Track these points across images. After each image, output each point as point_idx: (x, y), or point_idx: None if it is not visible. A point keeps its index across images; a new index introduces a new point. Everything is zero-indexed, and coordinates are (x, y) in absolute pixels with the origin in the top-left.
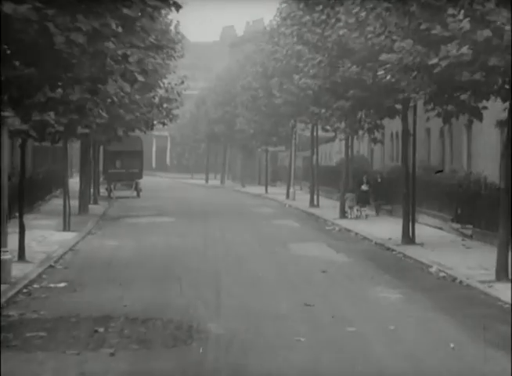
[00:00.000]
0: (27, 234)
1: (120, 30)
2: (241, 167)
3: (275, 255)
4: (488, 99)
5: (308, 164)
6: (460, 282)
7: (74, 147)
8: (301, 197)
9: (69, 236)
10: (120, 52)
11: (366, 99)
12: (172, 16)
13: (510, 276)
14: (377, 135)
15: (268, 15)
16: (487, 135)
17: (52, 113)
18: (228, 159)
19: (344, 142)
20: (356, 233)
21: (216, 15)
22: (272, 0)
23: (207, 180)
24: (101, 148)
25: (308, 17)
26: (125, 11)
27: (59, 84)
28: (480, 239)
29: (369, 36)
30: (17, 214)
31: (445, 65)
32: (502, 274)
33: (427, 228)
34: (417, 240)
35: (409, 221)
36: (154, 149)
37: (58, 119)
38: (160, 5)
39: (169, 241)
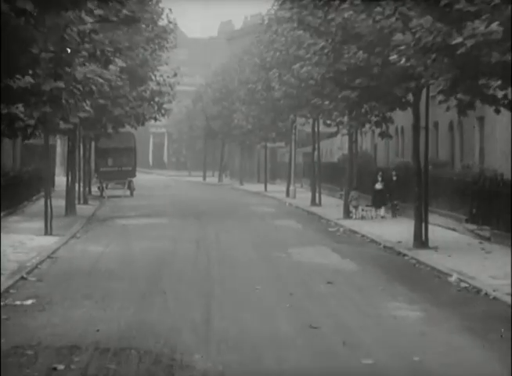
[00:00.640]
0: (3, 239)
1: None
2: (239, 164)
3: (275, 262)
4: None
5: (309, 161)
6: (486, 294)
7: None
8: (302, 195)
9: (49, 242)
10: (87, 27)
11: (374, 88)
12: (165, 4)
13: None
14: (385, 128)
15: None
16: (501, 128)
17: (20, 106)
18: (227, 156)
19: (346, 137)
20: (362, 236)
21: (214, 10)
22: None
23: (204, 178)
24: (93, 145)
25: None
26: None
27: (17, 67)
28: (499, 242)
29: (378, 18)
30: (5, 213)
31: (470, 45)
32: None
33: (439, 229)
34: (430, 243)
35: (421, 222)
36: (151, 146)
37: (30, 112)
38: None
39: (159, 246)
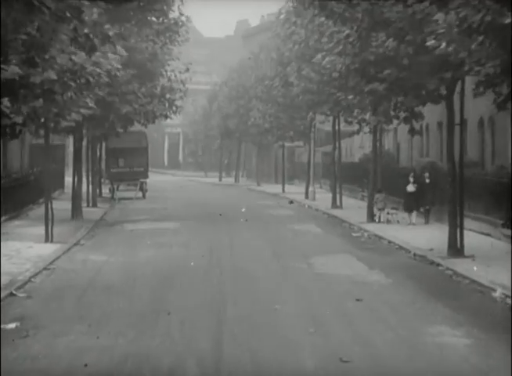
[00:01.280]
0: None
1: None
2: (256, 164)
3: (296, 275)
4: None
5: (328, 161)
6: None
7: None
8: (322, 197)
9: (49, 250)
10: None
11: (404, 80)
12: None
13: None
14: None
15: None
16: None
17: (6, 101)
18: (243, 156)
19: (367, 136)
20: (389, 242)
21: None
22: None
23: (220, 178)
24: (103, 145)
25: None
26: None
27: None
28: None
29: (410, 2)
30: (7, 217)
31: None
32: None
33: (472, 234)
34: (466, 251)
35: (456, 228)
36: (166, 146)
37: (18, 108)
38: None
39: (168, 255)
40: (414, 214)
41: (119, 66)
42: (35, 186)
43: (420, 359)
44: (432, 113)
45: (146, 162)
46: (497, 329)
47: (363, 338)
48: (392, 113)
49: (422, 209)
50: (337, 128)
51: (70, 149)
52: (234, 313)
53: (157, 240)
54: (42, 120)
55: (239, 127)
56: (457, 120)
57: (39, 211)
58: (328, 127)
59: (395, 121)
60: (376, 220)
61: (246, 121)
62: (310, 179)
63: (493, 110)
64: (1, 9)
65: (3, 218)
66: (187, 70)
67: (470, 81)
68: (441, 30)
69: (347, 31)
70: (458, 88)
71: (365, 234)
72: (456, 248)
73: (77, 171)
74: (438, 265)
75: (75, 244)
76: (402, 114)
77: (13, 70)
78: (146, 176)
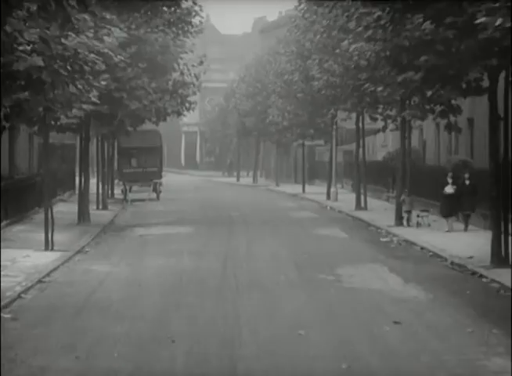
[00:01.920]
0: None
1: None
2: (275, 163)
3: (322, 290)
4: None
5: (350, 160)
6: None
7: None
8: (344, 197)
9: (47, 259)
10: None
11: (443, 68)
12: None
13: None
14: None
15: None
16: None
17: None
18: (261, 155)
19: (390, 134)
20: (422, 248)
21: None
22: None
23: (238, 178)
24: (115, 144)
25: None
26: None
27: None
28: None
29: None
30: (8, 221)
31: None
32: None
33: None
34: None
35: (500, 233)
36: (183, 145)
37: None
38: None
39: (178, 266)
40: (452, 219)
41: (121, 56)
42: (42, 188)
43: None
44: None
45: (160, 162)
46: None
47: None
48: (427, 106)
49: (461, 214)
50: (360, 125)
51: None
52: (249, 340)
53: (168, 248)
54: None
55: (257, 125)
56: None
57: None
58: (349, 125)
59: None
60: (404, 223)
61: (265, 118)
62: (332, 179)
63: None
64: None
65: (3, 223)
66: (201, 62)
67: None
68: (496, 5)
69: (377, 13)
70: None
71: (395, 239)
72: (500, 257)
73: (83, 172)
74: (481, 276)
75: (78, 252)
76: (438, 108)
77: None
78: (160, 177)
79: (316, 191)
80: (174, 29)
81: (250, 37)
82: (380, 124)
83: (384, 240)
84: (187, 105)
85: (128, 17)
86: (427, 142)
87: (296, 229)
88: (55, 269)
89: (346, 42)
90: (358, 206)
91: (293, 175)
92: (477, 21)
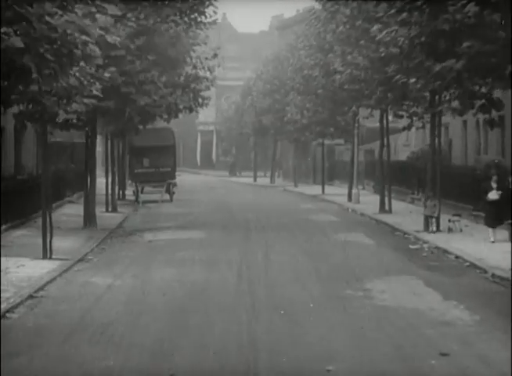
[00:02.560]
0: None
1: None
2: (293, 163)
3: (350, 310)
4: None
5: (372, 160)
6: None
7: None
8: (366, 199)
9: (44, 269)
10: None
11: (488, 56)
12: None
13: None
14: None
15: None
16: None
17: None
18: (279, 154)
19: (413, 133)
20: (456, 257)
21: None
22: None
23: (255, 178)
24: (126, 142)
25: None
26: None
27: None
28: None
29: None
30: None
31: None
32: None
33: None
34: None
35: None
36: (199, 145)
37: None
38: None
39: (187, 277)
40: (491, 230)
41: (116, 37)
42: (51, 187)
43: None
44: None
45: (174, 162)
46: None
47: None
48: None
49: (505, 223)
50: (385, 123)
51: (99, 149)
52: None
53: (178, 256)
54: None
55: (275, 123)
56: None
57: (52, 216)
58: (370, 123)
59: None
60: (434, 229)
61: (283, 116)
62: (354, 180)
63: None
64: None
65: (3, 227)
66: (215, 55)
67: None
68: None
69: None
70: None
71: (426, 246)
72: None
73: (89, 172)
74: None
75: (79, 261)
76: (478, 102)
77: None
78: (174, 177)
79: (336, 192)
80: (186, 19)
81: (268, 36)
82: (402, 122)
83: (414, 247)
84: (200, 100)
85: (136, 6)
86: (453, 141)
87: (317, 235)
88: (50, 282)
89: (375, 28)
90: (382, 209)
91: (312, 176)
92: None
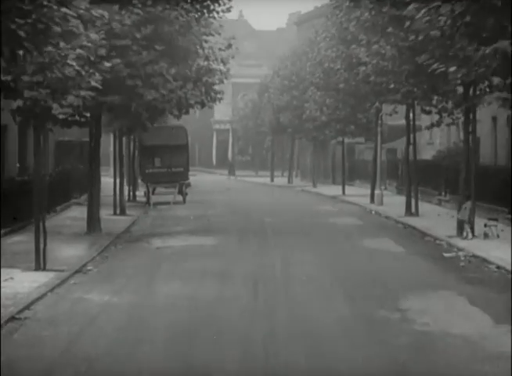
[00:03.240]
0: None
1: None
2: (311, 162)
3: (387, 336)
4: None
5: (394, 159)
6: None
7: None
8: (390, 200)
9: (34, 283)
10: None
11: None
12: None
13: None
14: None
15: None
16: None
17: None
18: (297, 153)
19: (436, 131)
20: (498, 267)
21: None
22: None
23: (272, 178)
24: (136, 141)
25: None
26: None
27: None
28: None
29: None
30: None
31: None
32: None
33: None
34: None
35: None
36: (215, 144)
37: None
38: None
39: (195, 295)
40: None
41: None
42: (53, 189)
43: None
44: None
45: (187, 161)
46: None
47: None
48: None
49: None
50: (411, 119)
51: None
52: None
53: (187, 266)
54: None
55: (293, 121)
56: None
57: (53, 221)
58: (391, 121)
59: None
60: (469, 235)
61: (301, 114)
62: (376, 181)
63: None
64: None
65: (2, 232)
66: (229, 46)
67: None
68: None
69: None
70: None
71: (461, 255)
72: None
73: (93, 173)
74: None
75: (76, 272)
76: None
77: None
78: (187, 178)
79: (357, 193)
80: (197, 6)
81: (285, 33)
82: (425, 120)
83: (449, 255)
84: (212, 95)
85: None
86: (480, 139)
87: (340, 241)
88: (39, 299)
89: (411, 7)
90: (408, 211)
91: (331, 175)
92: None
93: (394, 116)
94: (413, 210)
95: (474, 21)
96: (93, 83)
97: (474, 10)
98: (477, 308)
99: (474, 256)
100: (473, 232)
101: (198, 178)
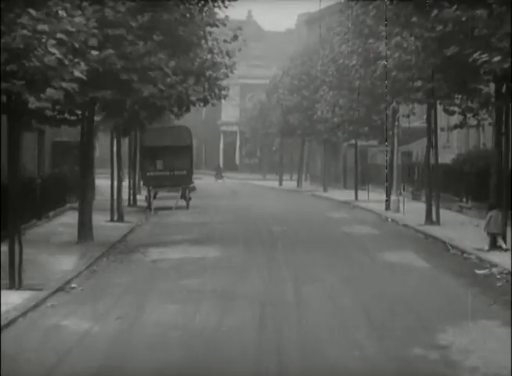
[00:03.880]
0: None
1: None
2: (322, 166)
3: None
4: None
5: (410, 163)
6: None
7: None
8: (407, 207)
9: (6, 305)
10: None
11: None
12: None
13: None
14: None
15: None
16: None
17: None
18: (307, 156)
19: (454, 134)
20: None
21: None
22: None
23: (280, 182)
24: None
25: None
26: None
27: None
28: None
29: None
30: None
31: None
32: None
33: None
34: None
35: None
36: (222, 146)
37: None
38: None
39: (191, 323)
40: None
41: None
42: (46, 193)
43: None
44: None
45: (190, 164)
46: None
47: None
48: None
49: None
50: (433, 120)
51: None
52: None
53: (184, 284)
54: None
55: (303, 123)
56: None
57: (43, 228)
58: (405, 122)
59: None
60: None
61: (311, 115)
62: (393, 186)
63: None
64: None
65: None
66: (235, 37)
67: None
68: None
69: None
70: None
71: (496, 271)
72: None
73: (83, 176)
74: None
75: (58, 290)
76: None
77: None
78: (190, 181)
79: (371, 198)
80: None
81: (294, 34)
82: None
83: (481, 272)
84: (217, 91)
85: None
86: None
87: (357, 254)
88: (6, 326)
89: None
90: (428, 219)
91: (342, 180)
92: None
93: (406, 118)
94: (434, 218)
95: None
96: (77, 73)
97: None
98: None
99: (511, 273)
100: (505, 242)
101: (204, 182)
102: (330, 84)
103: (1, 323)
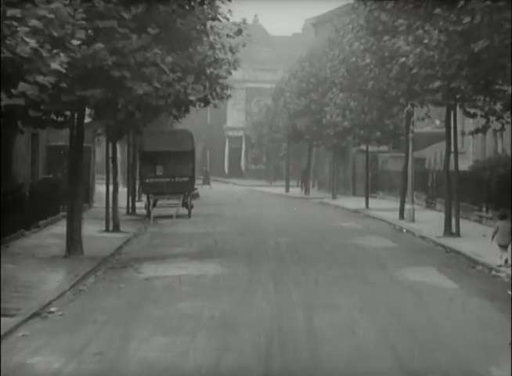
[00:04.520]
0: None
1: None
2: (330, 172)
3: None
4: None
5: (423, 169)
6: None
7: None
8: (421, 216)
9: None
10: None
11: None
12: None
13: None
14: None
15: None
16: None
17: None
18: (314, 162)
19: (468, 139)
20: None
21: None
22: None
23: (287, 189)
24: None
25: None
26: None
27: None
28: None
29: None
30: None
31: None
32: None
33: None
34: None
35: None
36: (227, 151)
37: None
38: None
39: (182, 362)
40: None
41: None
42: (35, 201)
43: None
44: None
45: (192, 170)
46: None
47: None
48: None
49: None
50: (453, 122)
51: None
52: None
53: (178, 309)
54: None
55: (311, 127)
56: None
57: (31, 240)
58: (417, 128)
59: None
60: (501, 262)
61: (320, 119)
62: (408, 194)
63: None
64: None
65: None
66: (239, 31)
67: None
68: None
69: None
70: None
71: None
72: None
73: (71, 183)
74: None
75: (33, 316)
76: None
77: None
78: (192, 188)
79: (382, 206)
80: None
81: (300, 38)
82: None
83: None
84: (219, 90)
85: None
86: None
87: (373, 271)
88: None
89: None
90: (447, 230)
91: (351, 187)
92: None
93: (418, 123)
94: (453, 229)
95: None
96: (54, 65)
97: None
98: None
99: None
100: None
101: (208, 188)
102: (341, 86)
103: None
